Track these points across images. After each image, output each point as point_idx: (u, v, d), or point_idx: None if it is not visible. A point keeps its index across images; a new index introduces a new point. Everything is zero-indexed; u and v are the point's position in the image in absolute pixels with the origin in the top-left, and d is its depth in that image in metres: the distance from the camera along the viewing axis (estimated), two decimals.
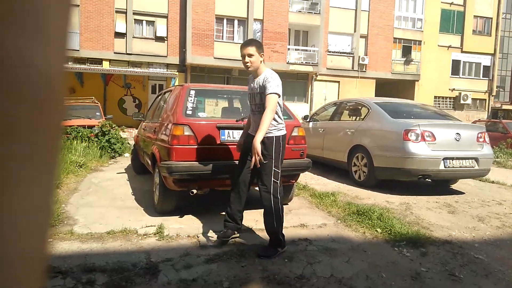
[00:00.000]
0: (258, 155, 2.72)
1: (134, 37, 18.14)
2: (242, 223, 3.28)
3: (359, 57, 20.90)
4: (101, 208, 3.99)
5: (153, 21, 18.43)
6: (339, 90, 20.88)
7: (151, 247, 2.92)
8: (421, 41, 22.23)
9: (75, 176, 5.54)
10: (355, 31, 20.96)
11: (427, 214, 4.23)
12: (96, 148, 7.51)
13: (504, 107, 26.40)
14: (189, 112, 3.68)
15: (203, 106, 6.24)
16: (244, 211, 3.24)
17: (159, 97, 5.35)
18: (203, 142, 3.53)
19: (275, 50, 19.00)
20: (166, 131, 3.72)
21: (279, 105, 2.93)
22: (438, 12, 23.04)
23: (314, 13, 19.70)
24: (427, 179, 5.36)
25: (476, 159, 5.24)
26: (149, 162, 4.38)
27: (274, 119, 2.89)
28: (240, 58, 3.01)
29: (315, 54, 19.70)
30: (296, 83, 19.96)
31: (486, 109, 24.68)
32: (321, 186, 5.45)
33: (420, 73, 22.21)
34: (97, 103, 11.01)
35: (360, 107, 6.43)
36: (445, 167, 5.04)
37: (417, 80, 22.36)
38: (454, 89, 23.74)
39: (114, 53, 17.86)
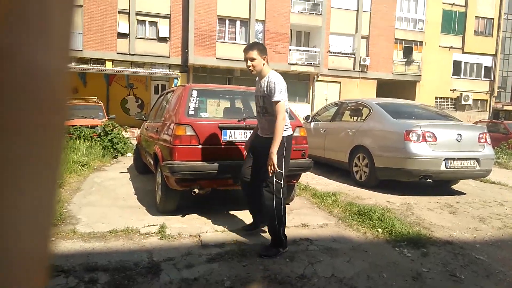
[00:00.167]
0: (273, 166, 2.77)
1: (137, 38, 18.20)
2: (254, 222, 3.33)
3: (360, 57, 20.92)
4: (103, 208, 4.01)
5: (156, 22, 18.49)
6: (340, 91, 20.90)
7: (153, 247, 2.94)
8: (422, 42, 22.21)
9: (78, 175, 5.57)
10: (356, 32, 20.97)
11: (428, 214, 4.23)
12: (98, 148, 7.55)
13: (506, 107, 26.29)
14: (191, 112, 3.70)
15: (205, 106, 6.25)
16: (244, 211, 3.25)
17: (162, 97, 5.36)
18: (205, 142, 3.55)
19: (276, 51, 19.03)
20: (168, 131, 3.73)
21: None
22: (439, 13, 23.01)
23: (316, 14, 19.72)
24: (428, 180, 5.35)
25: (477, 160, 5.23)
26: (151, 161, 4.40)
27: None
28: (242, 59, 3.04)
29: (316, 55, 19.72)
30: (298, 84, 19.97)
31: (487, 109, 24.63)
32: (323, 186, 5.45)
33: (421, 73, 22.19)
34: (100, 103, 11.05)
35: (361, 108, 6.43)
36: (446, 167, 5.03)
37: (418, 81, 22.35)
38: (455, 90, 23.71)
39: (117, 53, 17.94)
